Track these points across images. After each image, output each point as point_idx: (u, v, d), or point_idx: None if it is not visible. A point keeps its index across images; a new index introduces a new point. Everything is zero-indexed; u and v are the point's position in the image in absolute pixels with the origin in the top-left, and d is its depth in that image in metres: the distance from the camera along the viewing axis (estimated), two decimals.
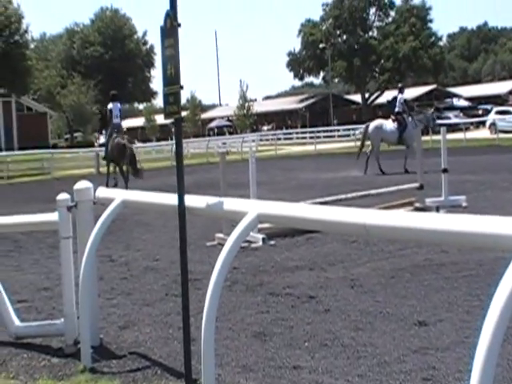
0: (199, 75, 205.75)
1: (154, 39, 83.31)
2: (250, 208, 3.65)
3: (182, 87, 3.73)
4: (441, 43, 79.00)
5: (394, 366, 4.14)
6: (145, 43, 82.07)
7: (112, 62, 75.23)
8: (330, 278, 6.71)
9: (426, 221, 2.68)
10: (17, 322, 5.21)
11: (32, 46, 60.79)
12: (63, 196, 4.92)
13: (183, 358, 3.84)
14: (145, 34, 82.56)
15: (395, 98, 21.35)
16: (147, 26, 77.12)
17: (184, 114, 61.99)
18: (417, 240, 4.79)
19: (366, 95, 76.26)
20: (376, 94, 76.20)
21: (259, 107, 72.54)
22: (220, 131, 69.04)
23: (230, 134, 63.14)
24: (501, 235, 2.32)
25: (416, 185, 10.83)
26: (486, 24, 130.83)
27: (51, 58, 75.68)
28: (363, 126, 50.57)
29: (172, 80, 3.76)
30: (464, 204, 11.07)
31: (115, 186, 16.89)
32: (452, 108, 57.87)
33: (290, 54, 78.89)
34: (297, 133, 51.95)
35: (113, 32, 76.99)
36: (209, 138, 49.31)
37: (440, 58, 73.36)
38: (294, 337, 4.88)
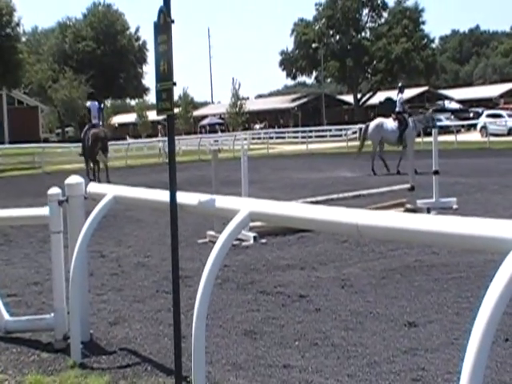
0: (192, 72, 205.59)
1: (147, 35, 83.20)
2: (242, 206, 3.66)
3: (174, 84, 3.72)
4: (433, 45, 79.30)
5: (384, 367, 4.16)
6: (137, 39, 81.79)
7: (104, 57, 74.97)
8: (321, 277, 6.73)
9: (417, 222, 2.69)
10: (6, 316, 5.19)
11: (24, 39, 60.61)
12: (54, 190, 4.91)
13: (173, 355, 3.84)
14: (137, 29, 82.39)
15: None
16: (140, 21, 77.16)
17: (176, 110, 61.99)
18: (408, 241, 4.80)
19: (358, 96, 76.42)
20: (368, 95, 76.39)
21: (251, 106, 72.51)
22: (212, 129, 68.94)
23: (222, 131, 63.08)
24: (491, 237, 2.34)
25: (407, 186, 10.87)
26: (477, 27, 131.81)
27: (43, 51, 75.41)
28: (355, 126, 50.69)
29: (165, 76, 3.76)
30: (455, 206, 11.13)
31: (98, 181, 16.97)
32: (443, 110, 58.04)
33: (282, 53, 78.92)
34: (289, 132, 52.01)
35: (105, 27, 76.71)
36: (201, 136, 49.24)
37: (432, 60, 73.60)
38: (284, 336, 4.89)
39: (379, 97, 72.36)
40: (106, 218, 5.25)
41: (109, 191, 4.85)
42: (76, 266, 4.62)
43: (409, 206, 10.52)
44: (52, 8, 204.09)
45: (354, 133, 47.60)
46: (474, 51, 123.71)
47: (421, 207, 10.60)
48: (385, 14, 76.90)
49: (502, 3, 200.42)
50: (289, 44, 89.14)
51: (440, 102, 68.19)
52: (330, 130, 49.70)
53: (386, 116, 22.52)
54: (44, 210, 4.94)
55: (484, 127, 38.47)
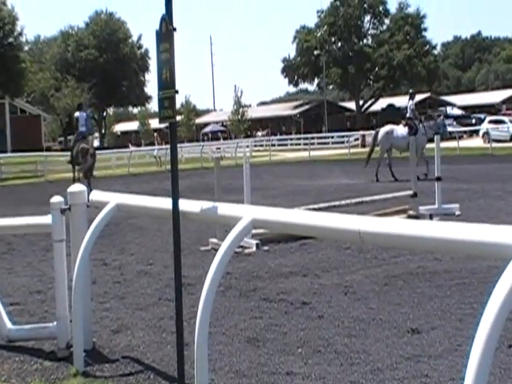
0: (194, 80, 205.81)
1: (149, 43, 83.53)
2: (245, 213, 3.66)
3: (177, 91, 3.74)
4: (435, 52, 79.34)
5: (387, 373, 4.15)
6: (139, 47, 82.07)
7: (106, 65, 75.19)
8: (324, 284, 6.71)
9: (419, 228, 2.69)
10: (9, 324, 5.19)
11: (26, 48, 60.76)
12: (57, 199, 4.91)
13: (176, 363, 3.84)
14: (139, 37, 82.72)
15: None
16: (142, 30, 77.40)
17: (178, 118, 61.96)
18: (410, 247, 4.80)
19: (360, 102, 76.46)
20: (370, 102, 76.42)
21: (254, 113, 72.65)
22: (214, 136, 69.04)
23: (225, 139, 63.14)
24: (493, 243, 2.34)
25: (410, 192, 10.86)
26: (479, 33, 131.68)
27: (45, 60, 75.61)
28: (357, 133, 50.58)
29: (167, 84, 3.77)
30: (457, 212, 11.11)
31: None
32: (446, 116, 57.98)
33: (284, 60, 79.04)
34: (291, 139, 52.04)
35: (107, 35, 76.96)
36: (203, 143, 49.29)
37: (434, 66, 73.66)
38: (287, 343, 4.88)
39: (381, 103, 72.41)
40: (108, 225, 5.25)
41: (111, 199, 4.85)
42: (79, 274, 4.62)
43: (411, 212, 10.51)
44: (54, 17, 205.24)
45: (356, 139, 47.66)
46: (476, 57, 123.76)
47: (423, 213, 10.58)
48: (386, 21, 77.03)
49: (504, 9, 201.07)
50: (291, 51, 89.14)
51: (442, 109, 68.14)
52: (333, 137, 49.73)
53: (389, 122, 22.46)
54: (46, 219, 4.95)
55: (486, 133, 38.46)
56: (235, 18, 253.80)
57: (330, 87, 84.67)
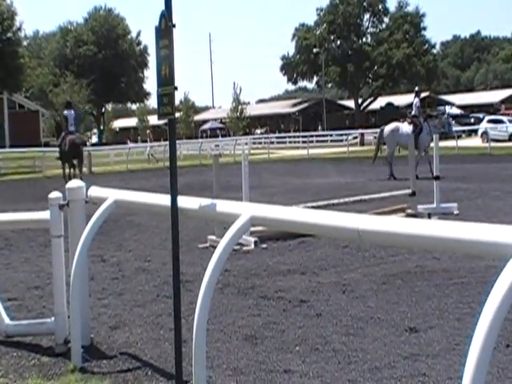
0: (193, 77, 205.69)
1: (148, 40, 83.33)
2: (243, 210, 3.66)
3: (176, 88, 3.73)
4: (434, 51, 79.25)
5: (385, 372, 4.15)
6: (138, 43, 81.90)
7: (105, 61, 75.02)
8: (322, 282, 6.72)
9: (418, 227, 2.69)
10: (7, 320, 5.19)
11: (25, 43, 60.63)
12: (55, 194, 4.91)
13: (174, 360, 3.84)
14: (139, 34, 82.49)
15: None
16: (141, 26, 77.17)
17: (177, 115, 61.84)
18: (409, 246, 4.82)
19: (359, 101, 76.42)
20: (369, 100, 76.36)
21: (252, 110, 72.51)
22: (213, 133, 68.99)
23: (223, 136, 63.10)
24: (492, 243, 2.34)
25: (408, 191, 10.86)
26: (479, 33, 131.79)
27: (44, 56, 75.43)
28: (356, 131, 50.58)
29: (166, 81, 3.76)
30: (455, 211, 11.12)
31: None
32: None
33: (283, 57, 78.92)
34: (290, 137, 52.02)
35: (106, 31, 76.79)
36: (202, 140, 49.27)
37: (433, 65, 73.57)
38: (285, 341, 4.88)
39: (380, 102, 72.35)
40: (106, 222, 5.25)
41: (110, 195, 4.85)
42: (77, 270, 4.62)
43: (410, 211, 10.52)
44: (53, 12, 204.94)
45: (355, 138, 47.67)
46: (475, 57, 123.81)
47: (422, 212, 10.60)
48: (386, 20, 76.90)
49: (503, 9, 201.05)
50: (290, 49, 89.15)
51: (441, 108, 68.17)
52: (331, 135, 49.72)
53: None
54: (45, 214, 4.94)
55: (485, 133, 38.47)
56: (234, 15, 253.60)
57: (329, 85, 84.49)
